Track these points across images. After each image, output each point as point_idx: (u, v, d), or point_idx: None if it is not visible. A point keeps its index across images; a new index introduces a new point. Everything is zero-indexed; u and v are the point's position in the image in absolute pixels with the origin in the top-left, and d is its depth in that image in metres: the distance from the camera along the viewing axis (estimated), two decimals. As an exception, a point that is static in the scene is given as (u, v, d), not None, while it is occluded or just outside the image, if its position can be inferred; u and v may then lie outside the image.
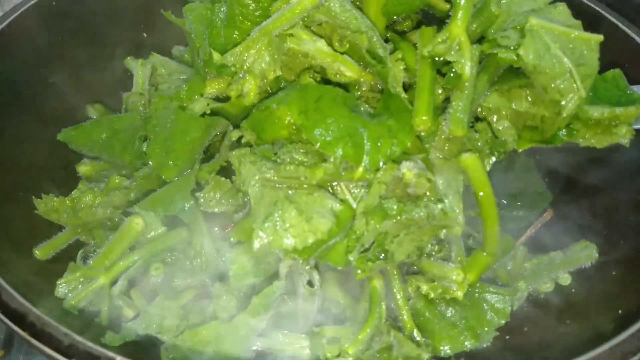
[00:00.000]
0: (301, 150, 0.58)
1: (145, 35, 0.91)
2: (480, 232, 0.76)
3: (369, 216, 0.58)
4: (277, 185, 0.58)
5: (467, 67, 0.56)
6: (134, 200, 0.70)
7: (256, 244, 0.56)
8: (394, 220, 0.57)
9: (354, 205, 0.59)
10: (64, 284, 0.65)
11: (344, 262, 0.58)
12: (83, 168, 0.76)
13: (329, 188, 0.60)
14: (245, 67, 0.62)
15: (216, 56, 0.64)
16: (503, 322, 0.67)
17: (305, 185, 0.58)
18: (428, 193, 0.59)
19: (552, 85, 0.57)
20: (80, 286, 0.64)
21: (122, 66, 0.86)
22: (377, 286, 0.64)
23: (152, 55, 0.81)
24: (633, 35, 0.77)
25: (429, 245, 0.65)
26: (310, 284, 0.61)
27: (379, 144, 0.57)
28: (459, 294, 0.63)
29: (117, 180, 0.73)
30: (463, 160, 0.60)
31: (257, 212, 0.57)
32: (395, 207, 0.57)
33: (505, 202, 0.81)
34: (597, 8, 0.81)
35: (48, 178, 0.74)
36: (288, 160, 0.58)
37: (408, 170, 0.57)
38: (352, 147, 0.57)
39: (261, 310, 0.59)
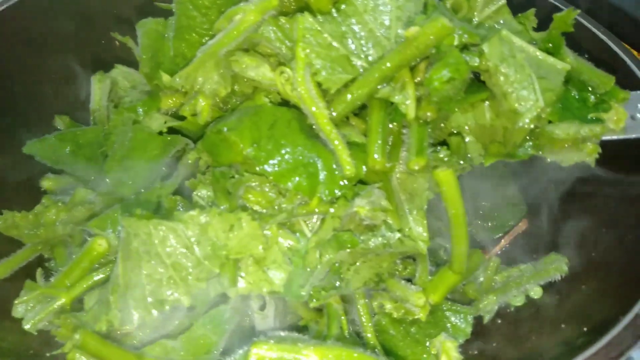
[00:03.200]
0: (253, 183, 0.57)
1: (117, 43, 0.89)
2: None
3: (322, 249, 0.58)
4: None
5: (411, 108, 0.56)
6: (96, 216, 0.69)
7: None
8: (349, 251, 0.57)
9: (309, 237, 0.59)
10: (22, 304, 0.63)
11: (299, 295, 0.58)
12: (47, 183, 0.75)
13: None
14: (195, 87, 0.61)
15: (165, 77, 0.63)
16: (462, 340, 0.66)
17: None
18: (387, 220, 0.58)
19: (511, 91, 0.57)
20: (39, 306, 0.64)
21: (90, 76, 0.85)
22: (334, 303, 0.63)
23: (115, 67, 0.80)
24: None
25: (393, 264, 0.65)
26: (262, 307, 0.60)
27: (335, 173, 0.56)
28: (422, 316, 0.62)
29: (82, 194, 0.72)
30: (437, 175, 0.58)
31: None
32: (350, 239, 0.57)
33: (481, 212, 0.81)
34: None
35: (10, 192, 0.74)
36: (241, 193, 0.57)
37: (360, 207, 0.56)
38: (306, 178, 0.56)
39: (209, 331, 0.58)
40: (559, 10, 0.78)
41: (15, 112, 0.80)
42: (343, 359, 0.51)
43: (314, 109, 0.56)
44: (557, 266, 0.70)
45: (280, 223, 0.57)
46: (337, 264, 0.59)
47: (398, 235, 0.60)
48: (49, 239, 0.69)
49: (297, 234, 0.59)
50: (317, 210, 0.57)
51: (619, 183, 0.68)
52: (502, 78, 0.56)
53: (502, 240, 0.80)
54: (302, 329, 0.67)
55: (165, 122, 0.67)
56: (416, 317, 0.64)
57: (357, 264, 0.60)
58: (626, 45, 0.77)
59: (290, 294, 0.57)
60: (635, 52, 0.85)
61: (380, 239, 0.59)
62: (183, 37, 0.64)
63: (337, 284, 0.60)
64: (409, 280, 0.67)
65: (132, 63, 0.85)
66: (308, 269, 0.58)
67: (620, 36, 0.78)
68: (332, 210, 0.57)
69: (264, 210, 0.57)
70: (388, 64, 0.55)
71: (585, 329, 0.60)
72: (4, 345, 0.57)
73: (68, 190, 0.76)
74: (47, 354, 0.59)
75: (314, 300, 0.59)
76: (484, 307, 0.72)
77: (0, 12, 0.79)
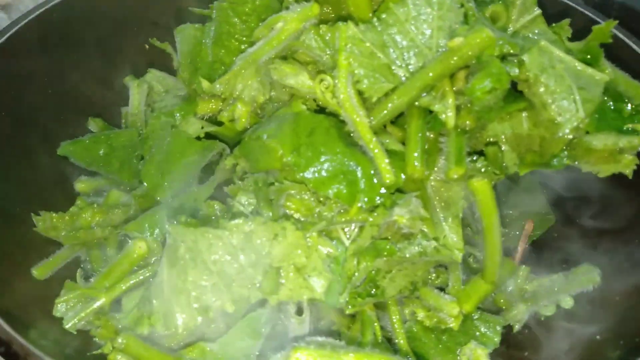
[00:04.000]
0: (293, 191, 0.58)
1: (147, 47, 0.90)
2: (482, 249, 0.76)
3: (360, 257, 0.58)
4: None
5: (450, 117, 0.56)
6: (132, 218, 0.70)
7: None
8: (386, 259, 0.57)
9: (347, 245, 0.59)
10: (62, 303, 0.64)
11: (337, 302, 0.58)
12: (81, 185, 0.77)
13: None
14: (235, 94, 0.62)
15: (205, 84, 0.64)
16: (491, 350, 0.66)
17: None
18: (423, 228, 0.58)
19: (550, 101, 0.57)
20: (79, 306, 0.65)
21: (122, 79, 0.86)
22: (367, 310, 0.64)
23: (149, 71, 0.81)
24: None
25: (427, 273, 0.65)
26: (299, 312, 0.60)
27: (375, 181, 0.57)
28: (454, 325, 0.62)
29: (116, 195, 0.73)
30: (472, 184, 0.59)
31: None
32: (387, 247, 0.57)
33: (507, 220, 0.80)
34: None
35: (46, 194, 0.75)
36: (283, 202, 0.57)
37: (399, 216, 0.56)
38: (346, 186, 0.57)
39: (246, 334, 0.58)
40: (593, 21, 0.79)
41: (51, 114, 0.81)
42: (382, 366, 0.51)
43: (355, 117, 0.56)
44: (589, 277, 0.70)
45: (320, 231, 0.58)
46: (373, 272, 0.60)
47: (434, 243, 0.60)
48: (87, 240, 0.70)
49: (335, 241, 0.60)
50: (356, 218, 0.58)
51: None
52: (542, 88, 0.57)
53: (519, 247, 0.79)
54: (334, 334, 0.68)
55: (202, 127, 0.68)
56: (449, 325, 0.65)
57: (393, 272, 0.61)
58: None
59: (329, 301, 0.58)
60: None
61: (416, 247, 0.59)
62: (222, 43, 0.65)
63: (373, 291, 0.60)
64: (441, 289, 0.68)
65: (166, 68, 0.87)
66: (346, 277, 0.58)
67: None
68: (370, 218, 0.58)
69: (304, 218, 0.58)
70: (430, 74, 0.55)
71: (621, 342, 0.60)
72: (45, 344, 0.58)
73: (102, 192, 0.78)
74: (87, 354, 0.59)
75: (350, 307, 0.59)
76: (514, 317, 0.72)
77: (40, 14, 0.80)
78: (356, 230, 0.60)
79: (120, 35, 0.88)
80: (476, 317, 0.68)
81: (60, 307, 0.64)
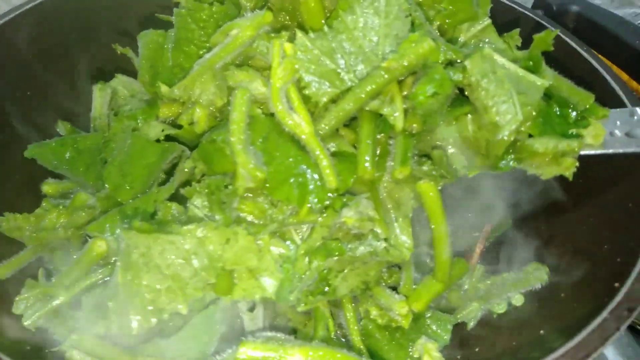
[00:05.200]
0: (246, 194, 0.60)
1: (119, 53, 0.92)
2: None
3: (312, 256, 0.60)
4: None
5: (398, 120, 0.58)
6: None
7: None
8: (336, 258, 0.59)
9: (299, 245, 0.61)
10: (23, 301, 0.66)
11: (287, 300, 0.60)
12: (47, 187, 0.78)
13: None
14: (193, 98, 0.64)
15: (164, 88, 0.66)
16: (441, 347, 0.69)
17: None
18: (376, 229, 0.61)
19: (491, 104, 0.59)
20: (38, 303, 0.66)
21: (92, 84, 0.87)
22: (321, 306, 0.66)
23: (116, 76, 0.83)
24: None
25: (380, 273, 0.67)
26: (250, 309, 0.62)
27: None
28: (404, 324, 0.65)
29: (82, 198, 0.74)
30: (419, 187, 0.61)
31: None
32: (338, 247, 0.59)
33: (466, 223, 0.83)
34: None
35: (11, 194, 0.76)
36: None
37: (347, 218, 0.59)
38: (297, 187, 0.59)
39: (201, 331, 0.60)
40: (545, 28, 0.82)
41: (20, 117, 0.82)
42: (326, 359, 0.53)
43: (290, 122, 0.58)
44: (538, 275, 0.73)
45: (273, 232, 0.60)
46: (325, 271, 0.62)
47: (384, 244, 0.62)
48: (50, 241, 0.71)
49: (288, 242, 0.62)
50: (306, 219, 0.60)
51: (596, 195, 0.71)
52: (483, 92, 0.59)
53: (477, 248, 0.82)
54: (291, 331, 0.70)
55: (162, 130, 0.70)
56: (399, 324, 0.67)
57: (345, 271, 0.63)
58: (608, 62, 0.81)
59: (280, 299, 0.60)
60: (616, 69, 0.88)
61: (367, 247, 0.61)
62: (181, 48, 0.67)
63: (326, 289, 0.62)
64: (394, 288, 0.70)
65: (133, 73, 0.88)
66: (297, 276, 0.60)
67: (604, 54, 0.82)
68: (320, 219, 0.60)
69: (257, 220, 0.60)
70: (377, 81, 0.58)
71: (561, 333, 0.62)
72: (4, 342, 0.59)
73: (68, 195, 0.79)
74: (46, 351, 0.61)
75: (303, 304, 0.61)
76: (467, 314, 0.74)
77: (8, 22, 0.82)
78: (308, 231, 0.62)
79: (89, 42, 0.89)
80: (428, 315, 0.70)
81: (20, 305, 0.65)
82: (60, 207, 0.73)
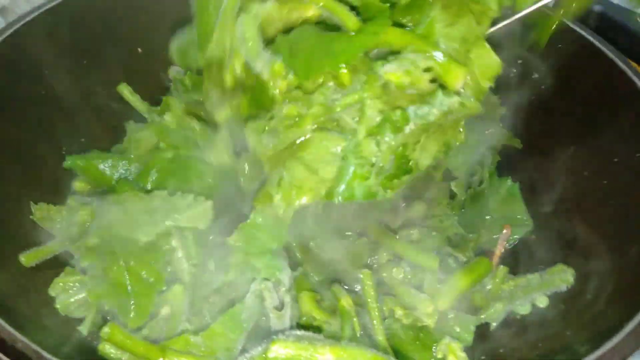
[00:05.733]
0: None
1: (140, 50, 0.93)
2: (462, 252, 0.78)
3: (379, 135, 0.54)
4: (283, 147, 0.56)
5: None
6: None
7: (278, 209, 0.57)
8: (409, 130, 0.53)
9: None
10: (60, 283, 0.67)
11: (371, 193, 0.55)
12: (79, 184, 0.79)
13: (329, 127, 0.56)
14: (227, 50, 0.61)
15: (200, 57, 0.64)
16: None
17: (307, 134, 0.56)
18: (440, 81, 0.53)
19: None
20: (74, 289, 0.67)
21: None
22: (345, 305, 0.66)
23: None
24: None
25: (402, 272, 0.67)
26: (277, 308, 0.62)
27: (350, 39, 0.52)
28: (429, 323, 0.65)
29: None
30: None
31: (271, 176, 0.58)
32: (401, 116, 0.53)
33: (488, 225, 0.83)
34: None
35: (40, 188, 0.76)
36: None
37: (389, 74, 0.52)
38: (326, 57, 0.52)
39: (228, 328, 0.61)
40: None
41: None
42: (357, 359, 0.54)
43: None
44: (563, 277, 0.73)
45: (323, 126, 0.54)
46: (400, 149, 0.54)
47: (457, 98, 0.53)
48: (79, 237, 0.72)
49: (349, 135, 0.55)
50: (351, 90, 0.53)
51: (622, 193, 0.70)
52: None
53: (496, 250, 0.82)
54: (315, 330, 0.70)
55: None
56: (425, 323, 0.67)
57: (422, 140, 0.55)
58: (634, 64, 0.80)
59: (359, 194, 0.54)
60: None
61: (438, 107, 0.53)
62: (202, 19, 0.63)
63: (410, 164, 0.55)
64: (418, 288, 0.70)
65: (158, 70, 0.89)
66: (367, 162, 0.54)
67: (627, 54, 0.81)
68: (362, 91, 0.53)
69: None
70: None
71: (590, 336, 0.62)
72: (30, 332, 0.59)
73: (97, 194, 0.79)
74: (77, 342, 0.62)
75: (389, 190, 0.55)
76: (490, 315, 0.74)
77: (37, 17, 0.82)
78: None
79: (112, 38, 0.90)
80: (451, 316, 0.70)
81: (56, 287, 0.66)
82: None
